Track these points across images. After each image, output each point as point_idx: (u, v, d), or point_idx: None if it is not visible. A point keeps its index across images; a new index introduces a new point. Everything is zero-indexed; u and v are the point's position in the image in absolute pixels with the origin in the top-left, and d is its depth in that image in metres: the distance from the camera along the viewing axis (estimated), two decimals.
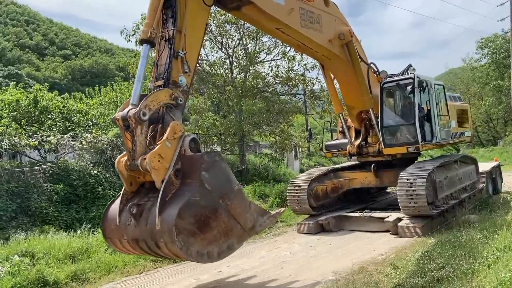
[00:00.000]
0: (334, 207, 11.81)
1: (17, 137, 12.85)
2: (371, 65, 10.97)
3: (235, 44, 18.36)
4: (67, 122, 17.04)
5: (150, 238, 5.09)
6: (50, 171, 12.20)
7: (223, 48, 18.39)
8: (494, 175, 14.52)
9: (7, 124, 14.76)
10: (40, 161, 13.43)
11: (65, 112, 17.35)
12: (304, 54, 15.15)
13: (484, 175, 13.46)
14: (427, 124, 10.71)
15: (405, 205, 9.29)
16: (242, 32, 17.90)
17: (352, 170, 12.18)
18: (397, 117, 10.91)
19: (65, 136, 14.04)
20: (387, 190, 14.49)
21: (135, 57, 19.04)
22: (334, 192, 11.80)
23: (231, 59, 18.48)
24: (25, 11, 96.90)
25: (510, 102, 38.94)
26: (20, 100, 15.62)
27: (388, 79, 10.96)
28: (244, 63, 18.22)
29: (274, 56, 18.68)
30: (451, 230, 8.80)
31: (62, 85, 66.15)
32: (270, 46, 18.43)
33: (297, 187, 11.11)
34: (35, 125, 16.06)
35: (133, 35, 16.84)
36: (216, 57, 18.86)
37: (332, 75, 11.19)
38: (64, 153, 14.18)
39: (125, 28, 16.95)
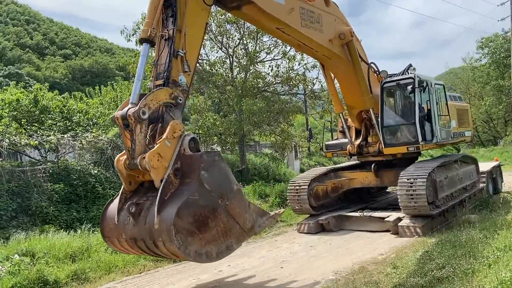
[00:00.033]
0: (334, 206, 11.81)
1: (17, 136, 12.88)
2: (372, 64, 10.96)
3: (235, 43, 18.36)
4: (67, 122, 17.03)
5: (149, 237, 5.08)
6: (51, 171, 12.21)
7: (223, 48, 18.39)
8: (495, 175, 14.52)
9: (8, 123, 14.76)
10: (41, 161, 13.44)
11: (65, 111, 17.34)
12: (304, 54, 15.17)
13: (484, 175, 13.45)
14: (428, 124, 10.70)
15: (406, 205, 9.29)
16: (242, 32, 17.89)
17: (352, 170, 12.17)
18: (398, 117, 10.90)
19: (66, 136, 14.06)
20: (387, 190, 14.49)
21: (135, 56, 18.99)
22: (334, 191, 11.81)
23: (231, 59, 18.47)
24: (26, 10, 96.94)
25: (510, 101, 38.95)
26: (21, 100, 15.61)
27: (388, 79, 10.95)
28: (245, 63, 18.21)
29: (274, 56, 18.71)
30: (452, 230, 8.80)
31: (62, 84, 66.24)
32: (270, 46, 18.44)
33: (297, 187, 11.11)
34: (36, 124, 16.05)
35: (133, 34, 16.84)
36: (216, 56, 18.89)
37: (332, 75, 11.18)
38: (65, 152, 14.19)
39: (126, 28, 16.98)
